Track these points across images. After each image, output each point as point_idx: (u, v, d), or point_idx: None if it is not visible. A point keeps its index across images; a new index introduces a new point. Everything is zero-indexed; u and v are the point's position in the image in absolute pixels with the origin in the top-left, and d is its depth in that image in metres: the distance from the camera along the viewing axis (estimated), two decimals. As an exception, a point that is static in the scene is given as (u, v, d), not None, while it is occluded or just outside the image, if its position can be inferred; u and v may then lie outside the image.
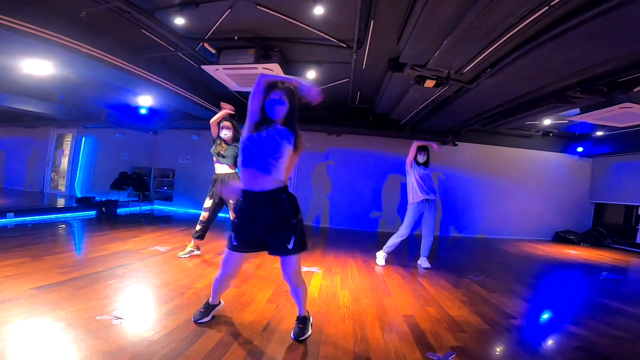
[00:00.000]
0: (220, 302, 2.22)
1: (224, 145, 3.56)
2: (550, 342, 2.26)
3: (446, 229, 7.27)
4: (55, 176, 8.30)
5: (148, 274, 3.05)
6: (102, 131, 7.96)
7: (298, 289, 1.97)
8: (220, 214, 3.98)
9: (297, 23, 3.43)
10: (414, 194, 4.04)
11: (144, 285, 2.76)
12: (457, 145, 7.09)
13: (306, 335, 2.01)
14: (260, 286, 2.97)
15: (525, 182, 7.47)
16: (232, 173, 3.62)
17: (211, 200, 3.66)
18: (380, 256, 4.11)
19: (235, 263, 1.93)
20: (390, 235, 4.25)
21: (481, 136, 7.04)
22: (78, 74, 4.24)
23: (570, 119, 5.30)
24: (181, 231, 5.29)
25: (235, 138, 3.59)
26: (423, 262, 4.07)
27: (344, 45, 3.82)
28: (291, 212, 1.79)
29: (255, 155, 1.74)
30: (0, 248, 3.39)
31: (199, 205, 8.02)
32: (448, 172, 7.19)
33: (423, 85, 4.09)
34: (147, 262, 3.43)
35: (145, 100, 5.79)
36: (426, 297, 3.03)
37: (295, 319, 2.07)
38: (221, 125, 3.55)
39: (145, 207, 7.48)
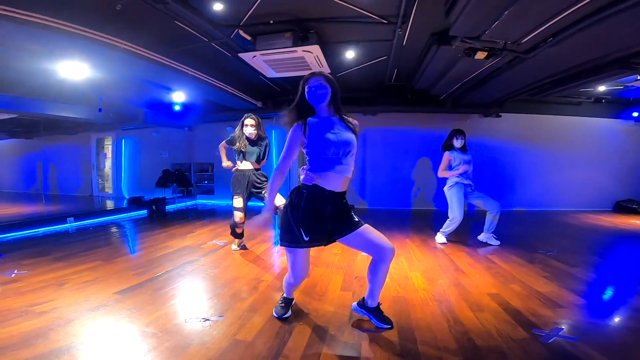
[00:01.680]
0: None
1: (245, 143, 3.46)
2: None
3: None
4: (101, 180, 8.68)
5: (216, 269, 3.09)
6: (140, 132, 8.16)
7: (383, 263, 1.79)
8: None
9: (337, 1, 3.25)
10: (454, 177, 3.87)
11: (216, 281, 2.78)
12: (500, 116, 6.69)
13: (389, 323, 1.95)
14: (328, 274, 2.95)
15: (577, 151, 6.97)
16: (254, 169, 3.52)
17: (241, 198, 3.51)
18: (440, 235, 4.02)
19: (307, 262, 1.89)
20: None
21: (526, 106, 6.58)
22: (114, 73, 4.28)
23: (627, 84, 4.82)
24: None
25: (259, 136, 3.50)
26: (489, 239, 3.90)
27: (385, 22, 3.60)
28: (350, 209, 1.86)
29: (337, 156, 1.74)
30: (70, 253, 3.54)
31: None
32: (492, 144, 6.84)
33: (473, 57, 3.82)
34: (211, 257, 3.49)
35: (178, 97, 5.82)
36: (504, 274, 2.91)
37: (373, 310, 1.97)
38: (244, 122, 3.44)
39: (190, 202, 7.68)
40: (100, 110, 5.57)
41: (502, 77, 4.47)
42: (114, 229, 4.96)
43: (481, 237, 3.98)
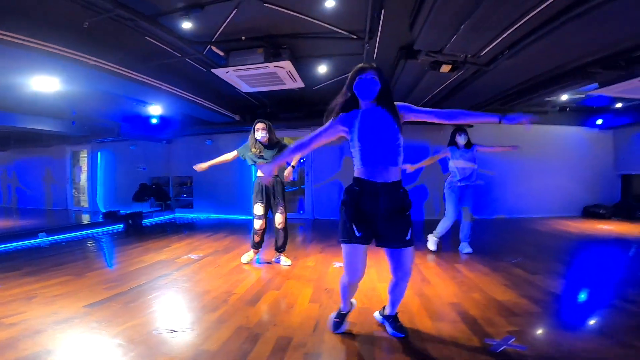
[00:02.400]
0: (352, 303, 2.14)
1: (261, 147, 3.44)
2: (607, 319, 2.23)
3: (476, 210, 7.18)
4: (77, 193, 8.48)
5: (188, 283, 3.09)
6: (116, 145, 8.06)
7: (403, 282, 1.87)
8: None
9: (306, 18, 3.35)
10: (452, 177, 4.03)
11: (188, 294, 2.80)
12: (472, 126, 6.91)
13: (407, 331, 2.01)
14: (299, 286, 2.98)
15: (547, 159, 7.26)
16: (274, 175, 3.46)
17: (260, 205, 3.50)
18: (432, 240, 4.08)
19: (361, 260, 1.78)
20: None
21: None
22: (86, 87, 4.26)
23: (588, 93, 5.10)
24: (208, 237, 5.35)
25: (272, 140, 3.47)
26: (464, 248, 3.99)
27: (355, 37, 3.73)
28: (408, 203, 1.78)
29: (378, 147, 1.71)
30: (41, 268, 3.49)
31: (220, 210, 8.09)
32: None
33: (439, 70, 4.00)
34: (184, 271, 3.48)
35: (155, 110, 5.81)
36: (467, 283, 2.99)
37: (388, 318, 2.06)
38: (255, 127, 3.44)
39: (168, 216, 7.57)
40: (73, 123, 5.49)
41: (469, 89, 4.67)
42: (87, 244, 4.85)
43: (461, 246, 4.07)
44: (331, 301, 2.59)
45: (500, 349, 1.81)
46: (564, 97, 6.02)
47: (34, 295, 2.68)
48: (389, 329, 2.03)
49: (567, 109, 7.05)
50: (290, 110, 6.60)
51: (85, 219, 7.34)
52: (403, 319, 2.19)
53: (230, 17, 3.29)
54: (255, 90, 5.01)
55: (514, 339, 1.91)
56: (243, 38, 3.76)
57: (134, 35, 3.47)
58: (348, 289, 1.93)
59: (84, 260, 3.95)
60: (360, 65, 1.76)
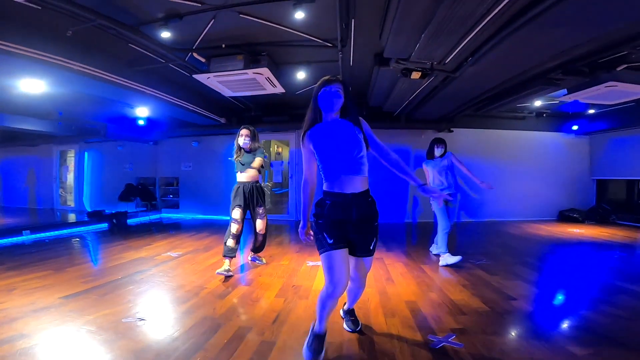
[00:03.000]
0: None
1: (243, 152, 3.51)
2: (548, 322, 2.29)
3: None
4: (63, 192, 8.55)
5: (164, 278, 3.24)
6: (104, 145, 8.17)
7: (361, 288, 2.00)
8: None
9: (281, 27, 3.53)
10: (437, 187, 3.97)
11: (161, 288, 2.95)
12: (452, 131, 7.15)
13: (360, 326, 2.17)
14: (269, 282, 3.14)
15: (525, 163, 7.50)
16: (253, 181, 3.54)
17: (238, 210, 3.42)
18: (449, 258, 3.70)
19: (346, 264, 1.71)
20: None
21: (475, 121, 7.09)
22: (73, 90, 4.39)
23: (560, 99, 5.36)
24: (190, 236, 5.48)
25: (253, 147, 3.52)
26: (434, 249, 4.07)
27: (329, 45, 3.91)
28: (376, 213, 1.82)
29: (339, 159, 1.72)
30: (23, 263, 3.62)
31: (206, 210, 8.21)
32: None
33: (410, 77, 4.18)
34: (162, 267, 3.62)
35: (142, 112, 5.94)
36: (428, 283, 3.12)
37: (345, 312, 2.22)
38: (240, 133, 3.49)
39: (154, 216, 7.68)
40: (59, 123, 5.60)
41: (441, 95, 4.88)
42: (70, 242, 4.96)
43: (432, 248, 4.15)
44: (296, 296, 2.75)
45: (439, 346, 1.93)
46: (538, 103, 6.28)
47: (14, 288, 2.82)
48: (344, 323, 2.19)
49: (544, 115, 7.32)
50: (274, 113, 6.77)
51: (72, 218, 7.42)
52: (360, 314, 2.34)
53: (208, 27, 3.46)
54: (237, 95, 5.18)
55: (454, 337, 2.02)
56: (223, 46, 3.93)
57: (117, 43, 3.62)
58: (328, 303, 1.76)
59: (65, 256, 4.06)
60: (326, 77, 1.76)
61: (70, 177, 8.53)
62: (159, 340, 1.99)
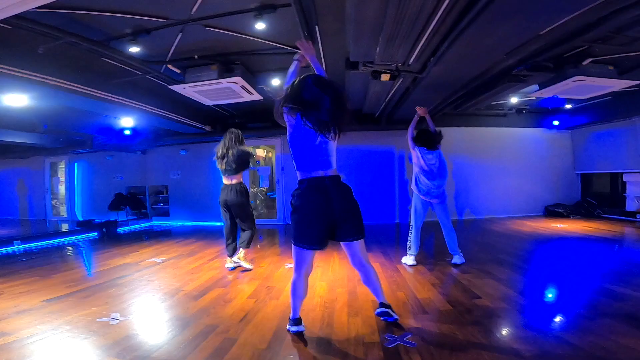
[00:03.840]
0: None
1: (225, 159, 3.62)
2: (505, 320, 2.29)
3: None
4: (56, 203, 8.70)
5: (143, 281, 3.37)
6: (93, 155, 8.33)
7: (372, 272, 2.14)
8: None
9: (248, 37, 3.66)
10: (415, 186, 3.76)
11: (140, 291, 3.08)
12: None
13: (396, 316, 2.23)
14: (244, 284, 3.25)
15: (508, 160, 7.59)
16: (236, 184, 3.65)
17: (226, 214, 3.73)
18: (407, 256, 3.81)
19: (311, 260, 2.04)
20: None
21: (456, 119, 7.20)
22: (55, 104, 4.52)
23: (534, 95, 5.46)
24: (177, 242, 5.61)
25: (238, 150, 3.61)
26: (457, 259, 3.68)
27: (298, 51, 4.03)
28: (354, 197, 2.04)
29: (308, 150, 1.96)
30: (11, 271, 3.77)
31: (195, 217, 8.35)
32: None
33: (380, 79, 4.31)
34: (144, 272, 3.75)
35: (127, 122, 6.08)
36: (399, 282, 3.15)
37: (381, 309, 2.22)
38: (224, 138, 3.73)
39: (145, 224, 7.81)
40: (45, 136, 5.74)
41: (414, 96, 4.99)
42: (59, 251, 5.09)
43: (454, 259, 3.72)
44: (268, 297, 2.84)
45: (393, 345, 1.95)
46: (514, 100, 6.38)
47: (1, 293, 2.96)
48: (379, 312, 2.25)
49: (524, 111, 7.43)
50: (258, 120, 6.91)
51: (63, 227, 7.55)
52: (325, 314, 2.41)
53: (177, 40, 3.60)
54: (216, 104, 5.31)
55: (409, 336, 2.04)
56: (196, 57, 4.06)
57: (90, 57, 3.76)
58: (297, 287, 2.07)
59: (52, 264, 4.18)
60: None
61: (62, 188, 8.69)
62: (128, 337, 2.12)
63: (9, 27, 2.84)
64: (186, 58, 4.09)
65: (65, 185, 8.52)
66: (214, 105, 5.71)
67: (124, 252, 4.91)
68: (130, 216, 7.81)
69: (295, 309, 2.15)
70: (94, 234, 6.23)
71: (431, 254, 4.28)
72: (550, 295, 2.80)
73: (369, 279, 2.17)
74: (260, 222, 7.31)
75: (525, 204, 7.56)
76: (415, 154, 3.77)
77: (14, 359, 1.85)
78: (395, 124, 6.72)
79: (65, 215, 8.60)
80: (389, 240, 5.64)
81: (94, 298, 2.85)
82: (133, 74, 4.32)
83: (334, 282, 3.22)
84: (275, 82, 4.87)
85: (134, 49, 3.47)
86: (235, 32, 3.53)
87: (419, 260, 3.83)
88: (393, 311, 2.23)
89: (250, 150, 3.78)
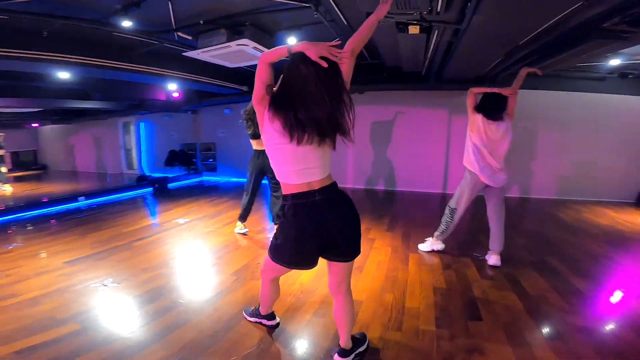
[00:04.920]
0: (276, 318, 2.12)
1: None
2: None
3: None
4: (130, 159, 10.06)
5: (153, 246, 3.67)
6: (154, 116, 9.20)
7: (349, 303, 1.70)
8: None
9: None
10: (470, 162, 3.04)
11: (143, 257, 3.34)
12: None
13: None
14: (235, 259, 3.25)
15: (601, 132, 5.91)
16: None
17: (252, 180, 3.95)
18: (433, 244, 3.38)
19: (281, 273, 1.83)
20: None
21: (533, 81, 5.70)
22: (95, 76, 4.90)
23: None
24: (209, 201, 5.99)
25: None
26: (491, 259, 3.08)
27: (307, 5, 3.49)
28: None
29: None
30: (63, 229, 4.41)
31: (239, 174, 8.77)
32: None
33: (408, 32, 3.54)
34: (162, 235, 4.09)
35: (172, 86, 6.37)
36: (397, 279, 2.77)
37: (339, 353, 1.75)
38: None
39: (195, 179, 8.56)
40: (101, 101, 6.41)
41: (462, 51, 4.02)
42: (111, 207, 5.69)
43: (488, 256, 3.15)
44: (250, 276, 2.85)
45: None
46: (615, 62, 4.73)
47: (37, 253, 3.50)
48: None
49: (630, 76, 5.51)
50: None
51: (124, 183, 8.67)
52: (293, 305, 2.32)
53: (171, 8, 3.39)
54: (239, 66, 5.10)
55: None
56: (201, 22, 3.84)
57: (102, 34, 3.82)
58: (263, 291, 1.94)
59: (97, 222, 4.76)
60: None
61: (133, 146, 9.94)
62: (108, 303, 2.40)
63: (7, 17, 2.97)
64: (194, 24, 3.89)
65: (134, 143, 9.71)
66: (245, 66, 5.52)
67: (161, 209, 5.46)
68: (181, 172, 8.59)
69: (264, 308, 2.04)
70: (150, 189, 7.03)
71: (462, 241, 3.70)
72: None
73: (342, 310, 1.69)
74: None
75: (612, 187, 5.96)
76: (475, 121, 3.00)
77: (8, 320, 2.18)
78: (445, 84, 5.68)
79: (136, 169, 9.92)
80: (423, 214, 5.12)
81: (106, 262, 3.20)
82: (149, 44, 4.33)
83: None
84: (291, 40, 4.39)
85: (126, 23, 3.39)
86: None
87: (442, 251, 3.38)
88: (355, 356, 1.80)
89: None
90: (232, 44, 4.01)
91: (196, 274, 2.97)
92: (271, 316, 2.08)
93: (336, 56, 1.31)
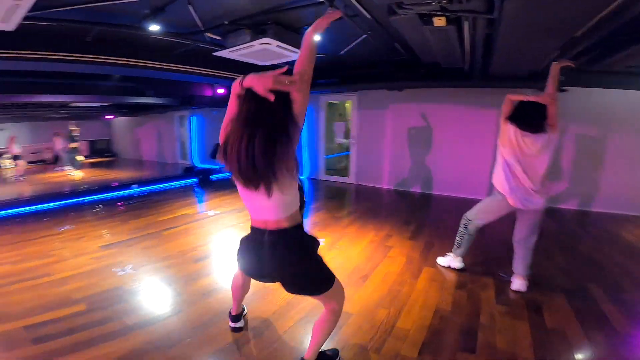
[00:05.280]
0: (244, 308, 2.23)
1: None
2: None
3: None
4: (184, 150, 10.93)
5: (179, 236, 3.93)
6: (204, 110, 9.81)
7: (327, 319, 1.66)
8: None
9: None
10: (500, 181, 2.63)
11: (164, 248, 3.59)
12: (565, 90, 5.13)
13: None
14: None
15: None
16: None
17: None
18: (451, 260, 3.09)
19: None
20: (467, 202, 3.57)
21: (598, 78, 4.79)
22: (144, 76, 5.37)
23: None
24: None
25: None
26: (515, 283, 2.71)
27: (321, 0, 3.38)
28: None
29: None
30: (109, 215, 4.97)
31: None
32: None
33: (433, 25, 3.24)
34: (190, 225, 4.37)
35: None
36: (402, 294, 2.60)
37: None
38: None
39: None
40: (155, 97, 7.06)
41: (505, 43, 3.55)
42: (158, 196, 6.20)
43: (513, 279, 2.77)
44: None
45: None
46: None
47: (83, 236, 3.98)
48: None
49: None
50: (324, 76, 6.51)
51: (174, 173, 9.39)
52: (288, 316, 2.30)
53: (193, 11, 3.53)
54: (269, 64, 5.17)
55: None
56: (226, 22, 3.95)
57: (140, 37, 4.12)
58: (234, 280, 2.01)
59: (142, 209, 5.30)
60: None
61: (186, 137, 10.79)
62: (116, 286, 2.68)
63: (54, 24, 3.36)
64: (220, 25, 4.02)
65: (186, 135, 10.53)
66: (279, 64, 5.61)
67: (198, 200, 5.84)
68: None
69: (235, 304, 2.08)
70: (195, 180, 7.56)
71: (491, 256, 3.34)
72: None
73: (318, 322, 1.68)
74: (331, 179, 7.31)
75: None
76: (507, 132, 2.57)
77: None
78: (492, 81, 5.08)
79: (188, 160, 10.76)
80: (455, 222, 4.61)
81: (134, 249, 3.53)
82: (185, 45, 4.59)
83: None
84: (316, 37, 4.28)
85: (153, 27, 3.62)
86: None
87: (474, 263, 3.13)
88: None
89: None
90: (255, 43, 4.06)
91: (203, 268, 3.11)
92: (236, 318, 2.09)
93: (286, 84, 1.25)
